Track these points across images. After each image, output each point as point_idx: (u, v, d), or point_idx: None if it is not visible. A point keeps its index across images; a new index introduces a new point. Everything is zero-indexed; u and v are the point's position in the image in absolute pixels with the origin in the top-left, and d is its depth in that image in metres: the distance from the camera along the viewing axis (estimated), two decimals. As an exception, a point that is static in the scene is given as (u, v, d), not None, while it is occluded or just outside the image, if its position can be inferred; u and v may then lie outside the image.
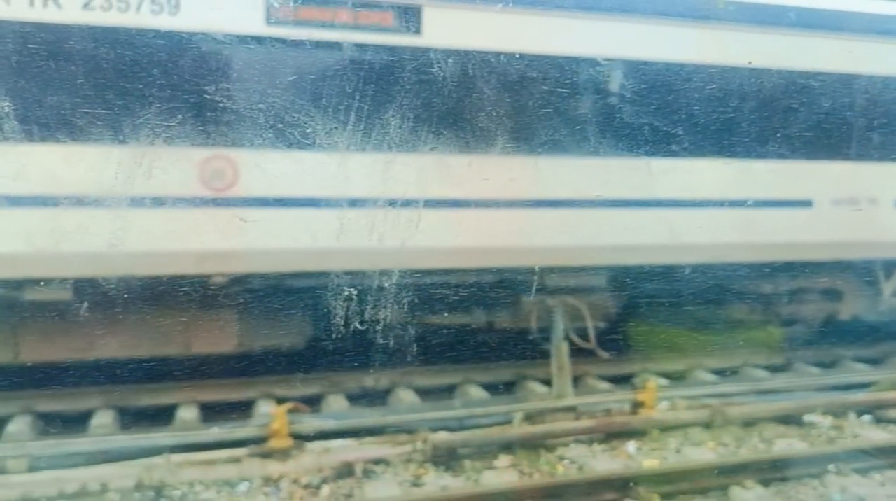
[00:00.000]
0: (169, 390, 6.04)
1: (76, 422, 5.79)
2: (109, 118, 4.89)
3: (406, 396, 6.35)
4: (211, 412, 5.92)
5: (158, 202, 5.08)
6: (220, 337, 6.02)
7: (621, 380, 6.77)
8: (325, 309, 5.40)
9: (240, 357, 6.10)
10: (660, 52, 5.77)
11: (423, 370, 6.57)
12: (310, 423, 5.35)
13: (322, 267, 5.18)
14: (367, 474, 5.00)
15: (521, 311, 6.34)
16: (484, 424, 5.71)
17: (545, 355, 6.52)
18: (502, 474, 5.02)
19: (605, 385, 6.71)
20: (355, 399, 6.32)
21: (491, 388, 6.52)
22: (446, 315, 6.31)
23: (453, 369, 6.66)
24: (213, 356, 6.02)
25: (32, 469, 4.86)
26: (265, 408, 5.87)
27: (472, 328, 6.39)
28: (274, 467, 4.97)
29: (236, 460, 5.00)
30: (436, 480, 4.96)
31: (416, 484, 4.90)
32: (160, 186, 5.09)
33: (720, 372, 7.24)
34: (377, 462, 5.15)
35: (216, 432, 5.21)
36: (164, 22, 5.18)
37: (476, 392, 6.43)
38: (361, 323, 6.08)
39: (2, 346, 5.75)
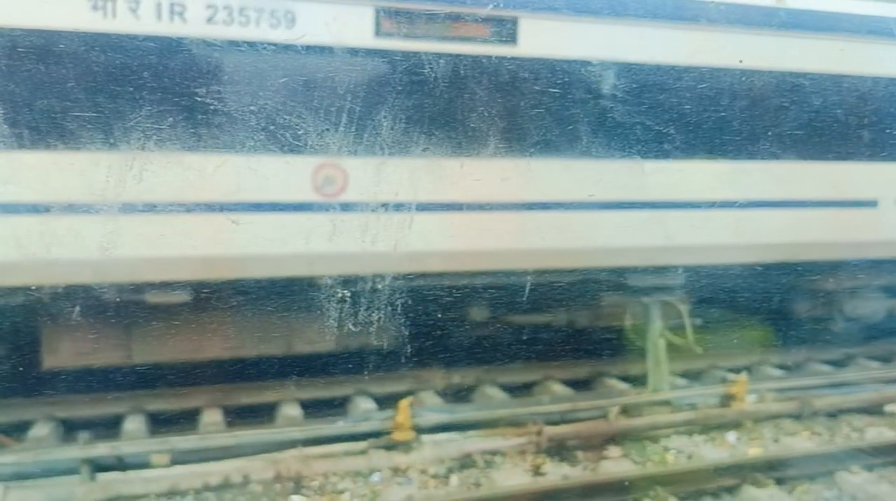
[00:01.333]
0: (270, 388, 6.28)
1: (182, 420, 6.02)
2: (227, 128, 5.16)
3: (493, 392, 6.59)
4: (308, 409, 6.15)
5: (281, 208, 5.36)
6: (321, 337, 6.25)
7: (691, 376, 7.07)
8: (428, 308, 5.68)
9: (338, 355, 6.33)
10: (768, 61, 6.00)
11: (510, 367, 6.84)
12: (428, 416, 5.58)
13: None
14: (487, 464, 5.24)
15: (613, 311, 6.58)
16: (583, 417, 5.95)
17: (623, 352, 6.81)
18: (619, 463, 5.26)
19: (680, 380, 6.96)
20: (443, 395, 6.58)
21: (577, 384, 6.78)
22: (536, 314, 6.59)
23: (538, 366, 6.92)
24: (314, 355, 6.25)
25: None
26: (364, 405, 6.10)
27: (574, 327, 6.62)
28: (400, 458, 5.20)
29: (362, 452, 5.23)
30: (555, 470, 5.20)
31: (538, 474, 5.14)
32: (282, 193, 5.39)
33: (785, 367, 7.52)
34: (493, 453, 5.39)
35: (342, 426, 5.43)
36: (281, 35, 5.45)
37: (558, 388, 6.68)
38: (460, 321, 6.35)
39: (116, 348, 5.97)
